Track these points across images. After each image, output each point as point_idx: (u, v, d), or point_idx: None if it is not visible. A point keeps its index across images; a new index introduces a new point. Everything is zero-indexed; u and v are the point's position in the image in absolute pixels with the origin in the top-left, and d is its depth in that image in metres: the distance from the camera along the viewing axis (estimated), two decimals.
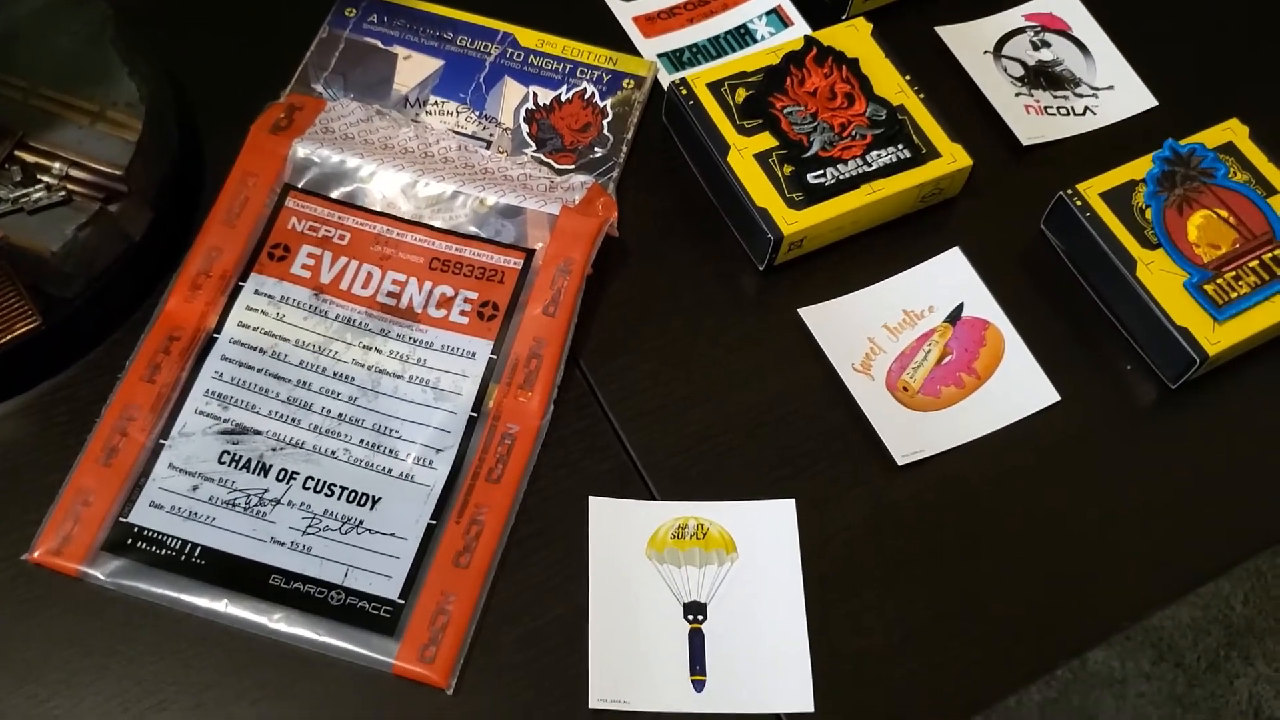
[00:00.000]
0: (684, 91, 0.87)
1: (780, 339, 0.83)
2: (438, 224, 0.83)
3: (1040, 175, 0.91)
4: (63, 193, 0.76)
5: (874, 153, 0.86)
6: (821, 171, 0.84)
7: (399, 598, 0.71)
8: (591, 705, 0.70)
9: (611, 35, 0.95)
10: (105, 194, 0.77)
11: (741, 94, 0.88)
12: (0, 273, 0.72)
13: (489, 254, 0.82)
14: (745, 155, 0.85)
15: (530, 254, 0.82)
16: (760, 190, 0.83)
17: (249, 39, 0.93)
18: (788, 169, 0.84)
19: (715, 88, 0.88)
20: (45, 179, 0.76)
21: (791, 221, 0.82)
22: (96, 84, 0.81)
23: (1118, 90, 0.96)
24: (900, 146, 0.86)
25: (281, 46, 0.92)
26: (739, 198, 0.84)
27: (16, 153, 0.77)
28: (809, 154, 0.85)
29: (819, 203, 0.83)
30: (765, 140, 0.86)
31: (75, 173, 0.77)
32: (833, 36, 0.91)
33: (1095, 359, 0.85)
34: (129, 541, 0.72)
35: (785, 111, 0.87)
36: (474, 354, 0.79)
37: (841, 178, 0.84)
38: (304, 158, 0.84)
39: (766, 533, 0.76)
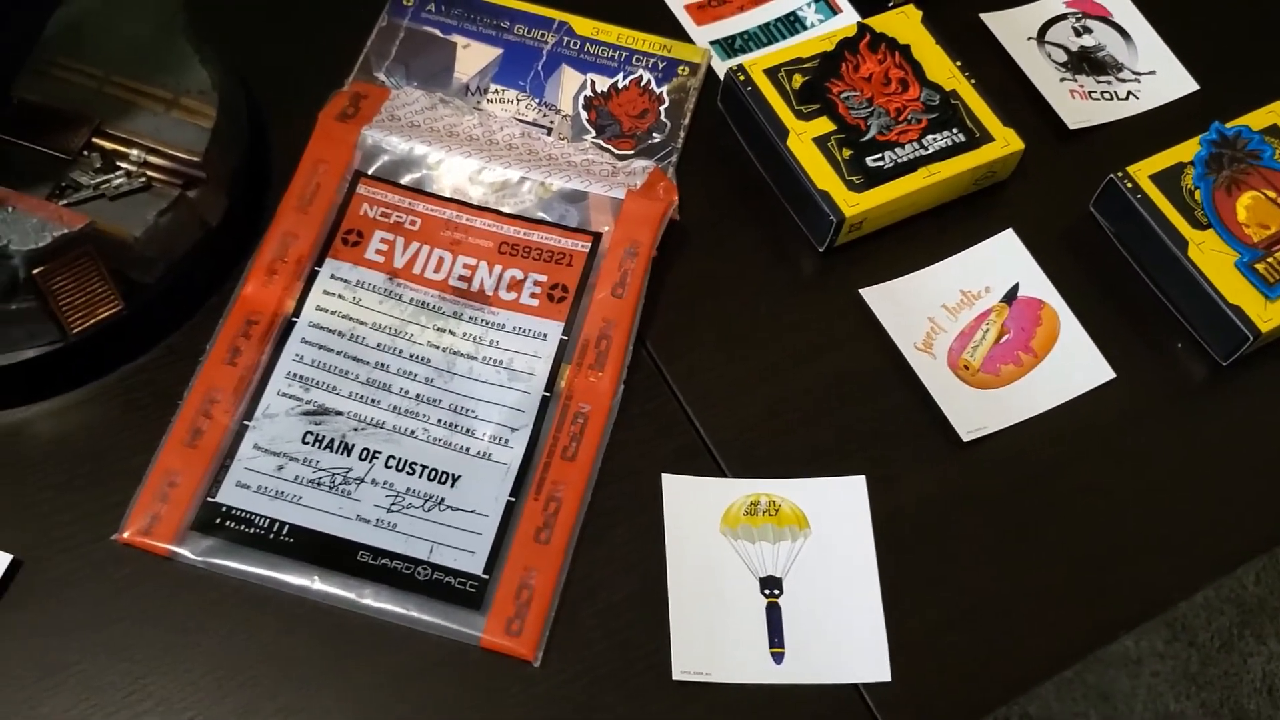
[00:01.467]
0: (742, 78, 0.89)
1: (842, 319, 0.85)
2: (505, 209, 0.85)
3: (1086, 158, 0.93)
4: (143, 179, 0.77)
5: (929, 137, 0.87)
6: (880, 155, 0.86)
7: (483, 573, 0.73)
8: (675, 677, 0.71)
9: (664, 23, 0.97)
10: (184, 180, 0.78)
11: (798, 80, 0.89)
12: (87, 258, 0.73)
13: (556, 237, 0.84)
14: (804, 139, 0.87)
15: (597, 237, 0.84)
16: (821, 173, 0.85)
17: (306, 27, 0.94)
18: (846, 152, 0.86)
19: (772, 74, 0.89)
20: (124, 165, 0.78)
21: (853, 204, 0.84)
22: (169, 72, 0.82)
23: (1159, 75, 0.98)
24: (955, 130, 0.88)
25: (338, 35, 0.93)
26: (800, 181, 0.85)
27: (94, 140, 0.78)
28: (867, 138, 0.87)
29: (879, 185, 0.85)
30: (823, 125, 0.87)
31: (153, 159, 0.78)
32: (884, 23, 0.93)
33: (1147, 337, 0.87)
34: (217, 521, 0.73)
35: (842, 96, 0.89)
36: (545, 335, 0.81)
37: (899, 161, 0.86)
38: (373, 145, 0.85)
39: (838, 508, 0.77)
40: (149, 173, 0.78)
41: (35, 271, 0.72)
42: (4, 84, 0.78)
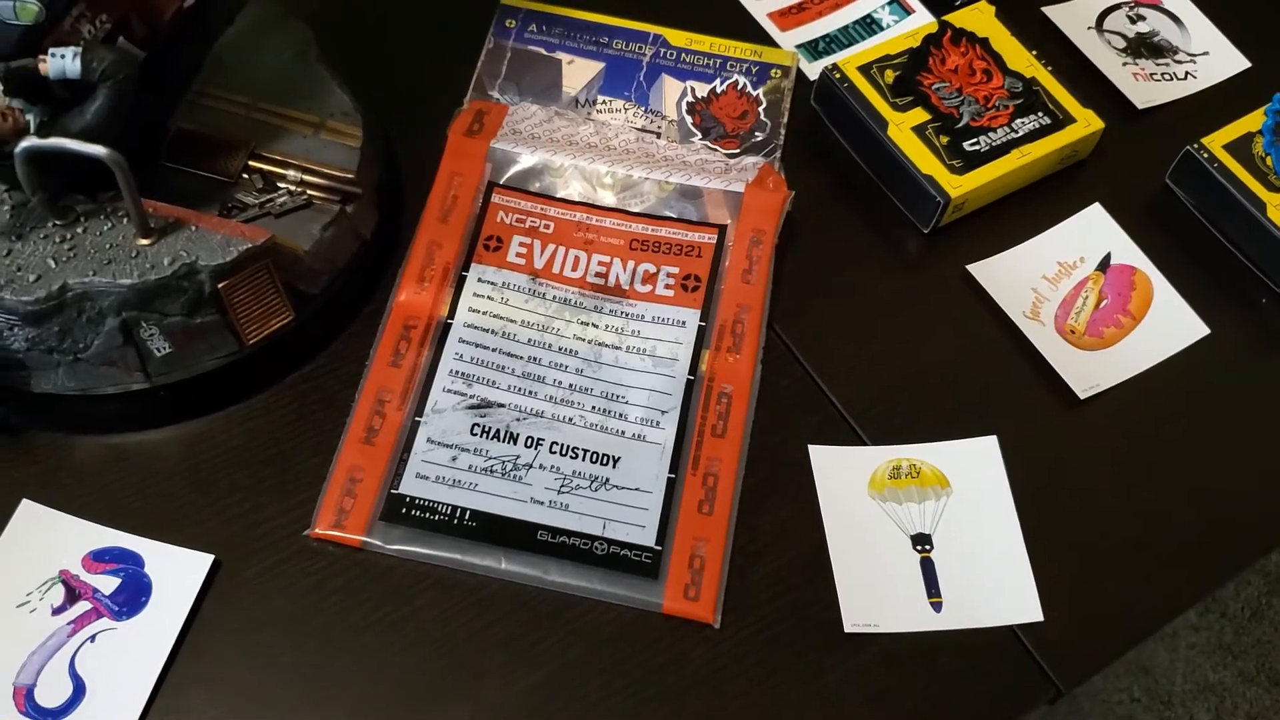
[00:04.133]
0: (838, 75, 0.95)
1: (953, 292, 0.90)
2: (632, 208, 0.90)
3: (1156, 135, 1.00)
4: (304, 197, 0.82)
5: (1018, 121, 0.94)
6: (975, 140, 0.92)
7: (655, 544, 0.77)
8: (846, 630, 0.76)
9: (750, 31, 1.03)
10: (341, 196, 0.83)
11: (890, 75, 0.95)
12: (264, 271, 0.78)
13: (683, 232, 0.89)
14: (903, 129, 0.92)
15: (722, 229, 0.89)
16: (923, 159, 0.91)
17: (415, 52, 0.99)
18: (944, 139, 0.92)
19: (865, 70, 0.95)
20: (283, 185, 0.82)
21: (956, 185, 0.90)
22: (310, 97, 0.86)
23: (1212, 55, 1.05)
24: (1040, 114, 0.94)
25: (447, 58, 0.99)
26: (903, 167, 0.91)
27: (250, 163, 0.83)
28: (961, 124, 0.93)
29: (977, 168, 0.91)
30: (919, 115, 0.93)
31: (309, 178, 0.83)
32: (962, 19, 0.99)
33: (1233, 296, 0.93)
34: (403, 510, 0.77)
35: (933, 88, 0.95)
36: (684, 323, 0.86)
37: (994, 144, 0.92)
38: (503, 157, 0.90)
39: (975, 467, 0.83)
40: (309, 191, 0.82)
41: (220, 285, 0.76)
42: (167, 116, 0.82)
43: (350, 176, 0.83)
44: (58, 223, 0.76)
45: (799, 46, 1.02)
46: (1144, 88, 1.02)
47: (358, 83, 0.90)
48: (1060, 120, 0.94)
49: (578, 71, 0.98)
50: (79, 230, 0.76)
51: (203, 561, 0.75)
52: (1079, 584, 0.79)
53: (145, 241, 0.76)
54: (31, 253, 0.75)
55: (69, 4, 0.71)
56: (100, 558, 0.75)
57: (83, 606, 0.73)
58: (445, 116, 0.93)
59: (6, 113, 0.72)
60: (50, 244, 0.75)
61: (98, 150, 0.70)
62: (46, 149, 0.71)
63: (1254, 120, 0.95)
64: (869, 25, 1.04)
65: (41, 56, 0.71)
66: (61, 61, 0.70)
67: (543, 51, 0.99)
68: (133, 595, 0.74)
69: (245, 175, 0.82)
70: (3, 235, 0.75)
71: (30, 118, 0.72)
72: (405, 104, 0.95)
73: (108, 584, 0.74)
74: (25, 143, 0.71)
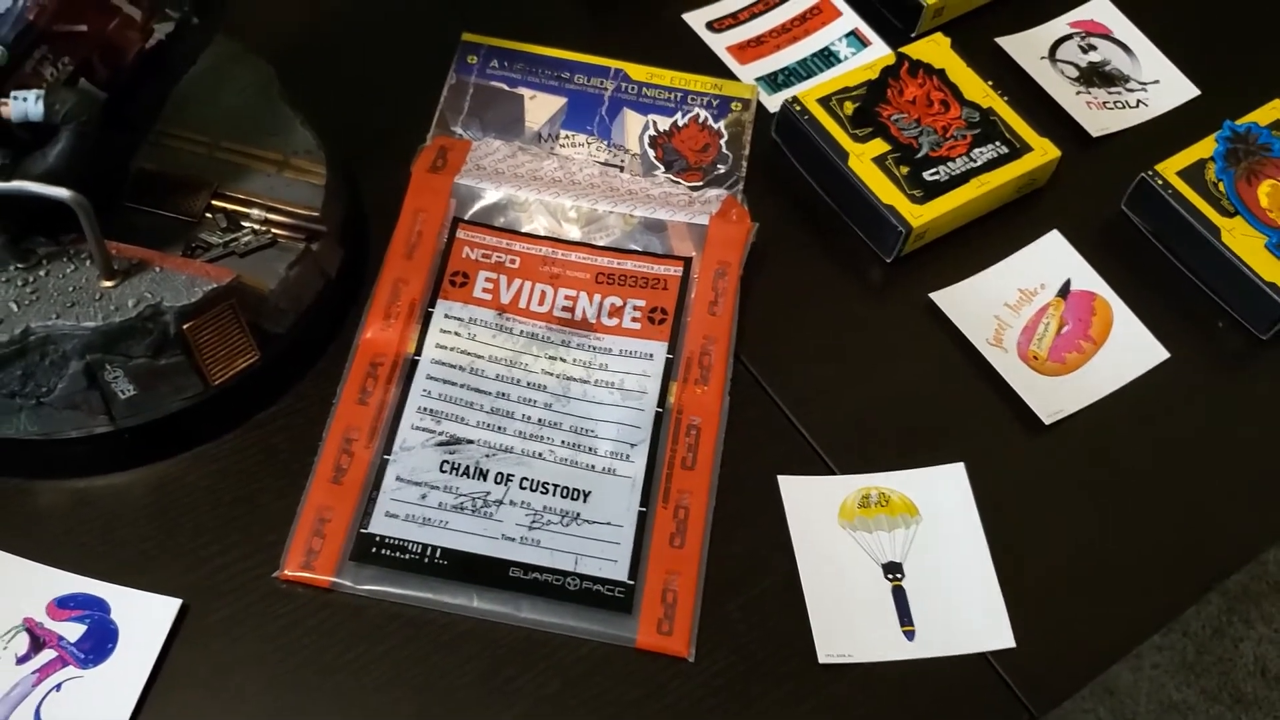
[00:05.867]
0: (798, 108, 0.96)
1: (917, 321, 0.91)
2: (597, 242, 0.90)
3: (1110, 162, 1.01)
4: (269, 235, 0.81)
5: (976, 150, 0.95)
6: (935, 169, 0.93)
7: (628, 579, 0.77)
8: (821, 660, 0.76)
9: (709, 65, 1.04)
10: (305, 234, 0.82)
11: (849, 106, 0.96)
12: (229, 311, 0.77)
13: (649, 265, 0.89)
14: (864, 160, 0.93)
15: (688, 262, 0.89)
16: (884, 189, 0.92)
17: (377, 88, 0.99)
18: (904, 169, 0.93)
19: (825, 102, 0.96)
20: (248, 224, 0.82)
21: (918, 215, 0.91)
22: (273, 134, 0.86)
23: (1163, 84, 1.07)
24: (997, 143, 0.95)
25: (409, 94, 0.99)
26: (865, 198, 0.92)
27: (214, 202, 0.82)
28: (920, 155, 0.94)
29: (937, 197, 0.92)
30: (879, 146, 0.94)
31: (273, 216, 0.82)
32: (919, 51, 1.00)
33: (1191, 319, 0.94)
34: (373, 550, 0.77)
35: (892, 119, 0.96)
36: (651, 355, 0.86)
37: (953, 174, 0.93)
38: (467, 193, 0.90)
39: (943, 495, 0.83)
40: (273, 230, 0.82)
41: (185, 326, 0.75)
42: (130, 157, 0.81)
43: (315, 214, 0.83)
44: (20, 265, 0.75)
45: (758, 79, 1.03)
46: (1097, 116, 1.03)
47: (321, 120, 0.89)
48: (1017, 149, 0.96)
49: (540, 107, 0.98)
50: (41, 273, 0.75)
51: (170, 606, 0.74)
52: (1049, 609, 0.80)
53: (109, 283, 0.75)
54: None
55: (31, 47, 0.70)
56: (65, 604, 0.74)
57: (48, 655, 0.72)
58: (409, 153, 0.93)
59: None
60: (12, 287, 0.75)
61: (60, 193, 0.69)
62: (8, 191, 0.70)
63: (1206, 147, 0.97)
64: (827, 58, 1.05)
65: (3, 99, 0.70)
66: (24, 104, 0.69)
67: (505, 87, 0.99)
68: (99, 642, 0.73)
69: (209, 215, 0.82)
70: None
71: None
72: (368, 141, 0.94)
73: (73, 631, 0.73)
74: None
